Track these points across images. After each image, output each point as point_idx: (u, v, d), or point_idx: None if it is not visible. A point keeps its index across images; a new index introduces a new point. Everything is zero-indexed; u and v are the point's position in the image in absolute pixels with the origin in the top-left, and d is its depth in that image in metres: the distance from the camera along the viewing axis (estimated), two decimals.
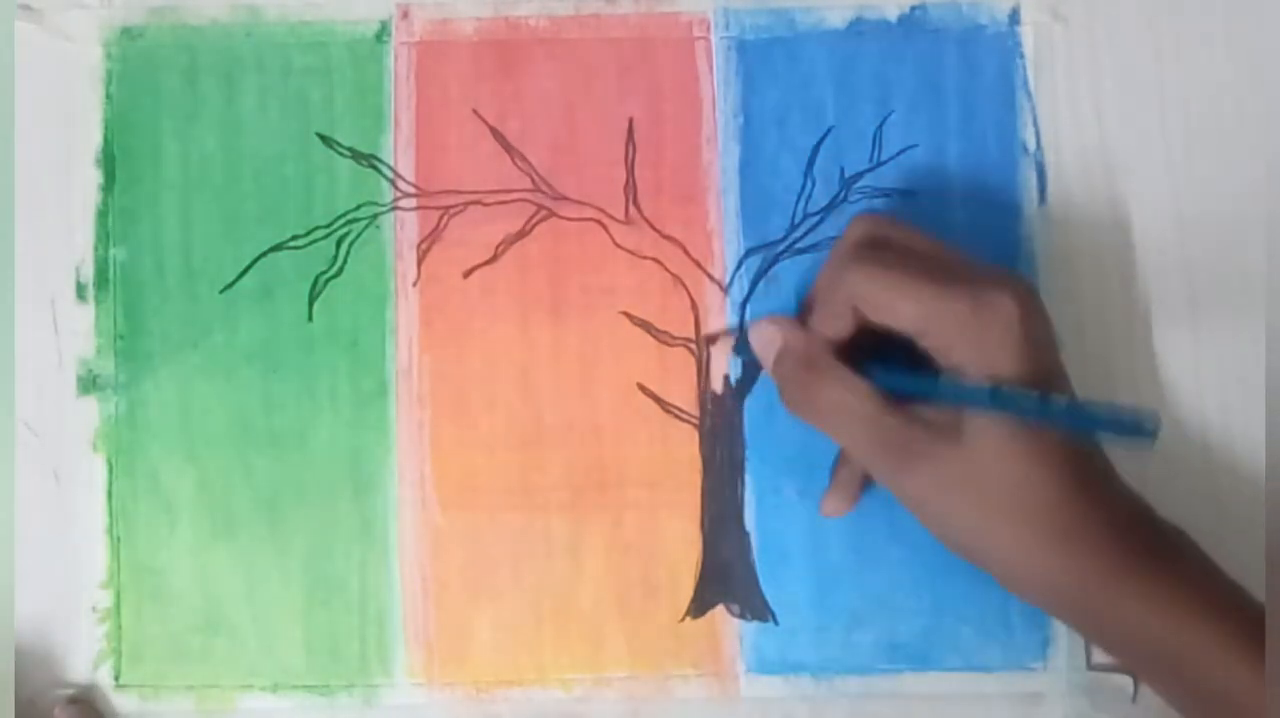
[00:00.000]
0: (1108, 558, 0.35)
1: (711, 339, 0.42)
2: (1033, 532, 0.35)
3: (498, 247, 0.42)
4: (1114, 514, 0.36)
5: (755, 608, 0.41)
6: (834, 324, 0.38)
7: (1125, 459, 0.37)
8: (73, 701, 0.40)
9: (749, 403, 0.42)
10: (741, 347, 0.41)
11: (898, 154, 0.43)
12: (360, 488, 0.41)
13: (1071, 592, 0.35)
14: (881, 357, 0.37)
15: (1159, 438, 0.35)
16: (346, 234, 0.42)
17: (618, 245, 0.42)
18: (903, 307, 0.36)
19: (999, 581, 0.37)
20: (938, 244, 0.38)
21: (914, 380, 0.37)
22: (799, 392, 0.38)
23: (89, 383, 0.42)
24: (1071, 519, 0.35)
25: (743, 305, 0.42)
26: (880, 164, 0.42)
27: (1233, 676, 0.34)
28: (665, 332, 0.42)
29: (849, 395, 0.37)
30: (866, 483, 0.41)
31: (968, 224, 0.42)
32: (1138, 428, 0.35)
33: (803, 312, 0.40)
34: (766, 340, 0.39)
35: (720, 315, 0.42)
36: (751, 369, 0.42)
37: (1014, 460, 0.35)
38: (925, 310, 0.36)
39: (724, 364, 0.42)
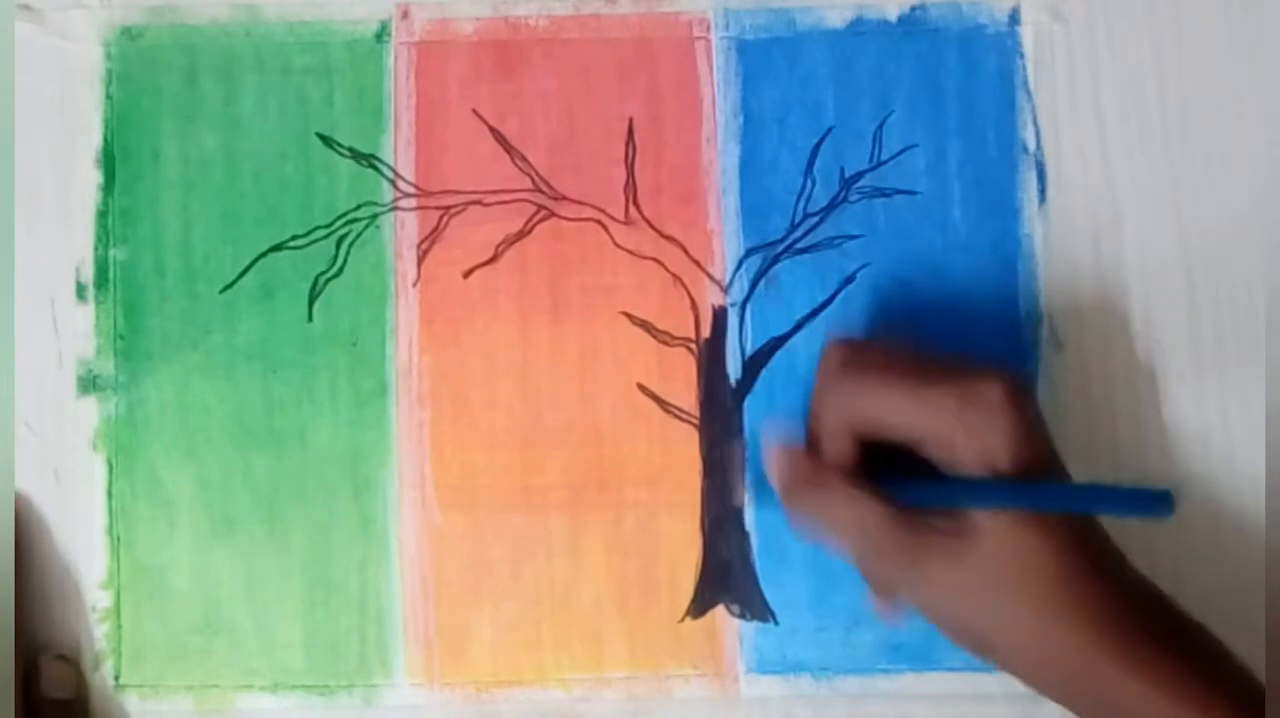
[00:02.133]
0: (1118, 645, 0.35)
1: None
2: (1043, 623, 0.35)
3: (498, 247, 0.42)
4: (1123, 601, 0.35)
5: (755, 608, 0.41)
6: (835, 448, 0.37)
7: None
8: (59, 657, 0.40)
9: (749, 403, 0.42)
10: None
11: (898, 154, 0.43)
12: (360, 488, 0.41)
13: (1085, 681, 0.35)
14: (895, 469, 0.37)
15: (1175, 512, 0.34)
16: (346, 234, 0.42)
17: (618, 245, 0.42)
18: (892, 417, 0.36)
19: (1017, 677, 0.36)
20: (915, 351, 0.38)
21: (926, 490, 0.36)
22: (806, 514, 0.38)
23: (89, 383, 0.42)
24: (1080, 607, 0.35)
25: (743, 305, 0.42)
26: (880, 164, 0.42)
27: None
28: (665, 332, 0.42)
29: (853, 513, 0.37)
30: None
31: (968, 224, 0.42)
32: (1154, 505, 0.34)
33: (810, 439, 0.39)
34: (773, 467, 0.39)
35: (721, 316, 0.42)
36: (752, 369, 0.42)
37: (1019, 553, 0.35)
38: (913, 416, 0.36)
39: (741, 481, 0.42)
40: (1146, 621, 0.35)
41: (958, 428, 0.35)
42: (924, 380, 0.36)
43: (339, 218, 0.42)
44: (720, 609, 0.41)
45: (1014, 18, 0.43)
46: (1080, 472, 0.41)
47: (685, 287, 0.42)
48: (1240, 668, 0.35)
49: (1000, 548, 0.35)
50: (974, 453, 0.35)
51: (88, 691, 0.41)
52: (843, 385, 0.37)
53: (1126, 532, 0.37)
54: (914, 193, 0.42)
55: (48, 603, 0.41)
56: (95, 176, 0.42)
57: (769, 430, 0.40)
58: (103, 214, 0.42)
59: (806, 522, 0.38)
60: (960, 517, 0.35)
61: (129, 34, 0.43)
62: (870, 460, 0.37)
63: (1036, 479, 0.36)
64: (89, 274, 0.42)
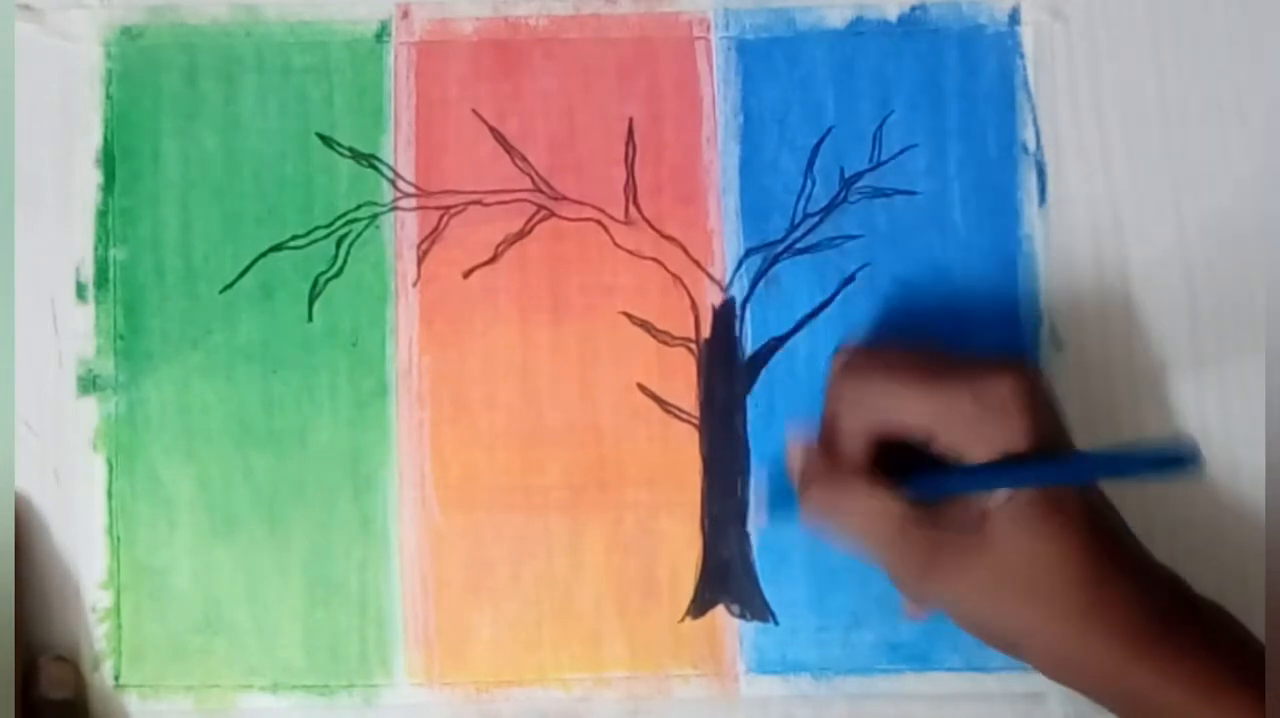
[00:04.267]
0: (1138, 632, 0.35)
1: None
2: (1062, 613, 0.35)
3: (498, 247, 0.42)
4: (1142, 588, 0.35)
5: (755, 608, 0.41)
6: (851, 448, 0.37)
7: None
8: (58, 658, 0.40)
9: (749, 403, 0.42)
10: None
11: (898, 154, 0.43)
12: (360, 488, 0.41)
13: (1105, 669, 0.35)
14: (911, 468, 0.37)
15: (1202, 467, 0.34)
16: (346, 234, 0.42)
17: (618, 245, 0.42)
18: (907, 416, 0.36)
19: (1037, 668, 0.36)
20: (926, 351, 0.38)
21: (943, 479, 0.36)
22: (824, 512, 0.38)
23: (89, 383, 0.42)
24: (1099, 595, 0.35)
25: (743, 305, 0.42)
26: (880, 164, 0.42)
27: None
28: (665, 332, 0.42)
29: (871, 511, 0.36)
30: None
31: (968, 224, 0.42)
32: (1178, 460, 0.33)
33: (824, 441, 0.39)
34: (792, 464, 0.39)
35: (721, 316, 0.42)
36: (752, 369, 0.42)
37: (1037, 543, 0.35)
38: (929, 413, 0.36)
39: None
40: (1170, 615, 0.35)
41: (971, 423, 0.35)
42: (937, 378, 0.36)
43: (339, 218, 0.42)
44: (720, 609, 0.41)
45: (1014, 18, 0.43)
46: None
47: (685, 287, 0.42)
48: (1261, 650, 0.35)
49: (1017, 542, 0.35)
50: (990, 448, 0.35)
51: (87, 691, 0.41)
52: (856, 388, 0.37)
53: (1131, 526, 0.37)
54: (914, 193, 0.42)
55: (47, 603, 0.41)
56: (95, 176, 0.42)
57: (790, 428, 0.40)
58: (103, 214, 0.42)
59: (823, 521, 0.38)
60: (977, 514, 0.35)
61: (129, 34, 0.43)
62: (885, 463, 0.37)
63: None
64: (89, 274, 0.42)
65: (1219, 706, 0.34)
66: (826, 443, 0.38)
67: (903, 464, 0.37)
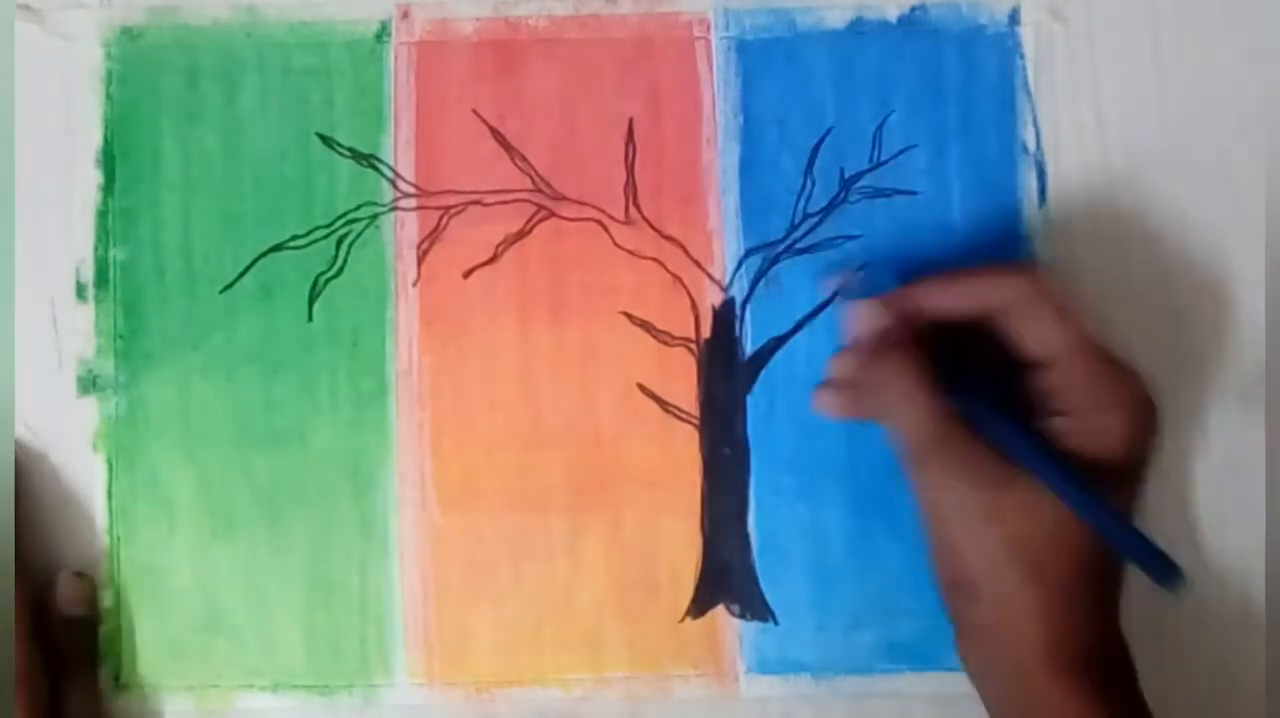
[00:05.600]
0: (1082, 671, 0.35)
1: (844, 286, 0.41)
2: (1041, 604, 0.35)
3: (498, 247, 0.42)
4: (1109, 629, 0.36)
5: (755, 608, 0.41)
6: (948, 303, 0.38)
7: None
8: (77, 574, 0.40)
9: (749, 403, 0.42)
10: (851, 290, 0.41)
11: (898, 154, 0.43)
12: (360, 488, 0.41)
13: (1033, 684, 0.35)
14: (960, 374, 0.37)
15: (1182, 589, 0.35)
16: (346, 234, 0.42)
17: (618, 245, 0.42)
18: (1059, 333, 0.37)
19: (962, 626, 0.37)
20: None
21: (997, 417, 0.37)
22: (873, 377, 0.38)
23: (89, 383, 0.42)
24: (1078, 614, 0.36)
25: (743, 305, 0.42)
26: (880, 164, 0.42)
27: None
28: (665, 332, 0.42)
29: (914, 391, 0.37)
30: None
31: (968, 224, 0.42)
32: (1167, 574, 0.35)
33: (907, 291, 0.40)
34: (858, 318, 0.40)
35: (721, 316, 0.42)
36: (752, 369, 0.42)
37: (1060, 529, 0.35)
38: (1075, 346, 0.36)
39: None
40: (1104, 662, 0.36)
41: (1095, 393, 0.36)
42: (1094, 336, 0.37)
43: (339, 218, 0.42)
44: (720, 609, 0.41)
45: (1014, 18, 0.43)
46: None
47: (685, 287, 0.42)
48: None
49: (1028, 506, 0.35)
50: (1083, 413, 0.36)
51: (100, 610, 0.41)
52: (1033, 285, 0.37)
53: None
54: (914, 193, 0.42)
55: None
56: (95, 177, 0.42)
57: (851, 278, 0.41)
58: (103, 214, 0.42)
59: (863, 390, 0.39)
60: (1006, 461, 0.36)
61: (129, 34, 0.43)
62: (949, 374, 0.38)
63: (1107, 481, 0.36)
64: (89, 274, 0.42)
65: None
66: (918, 293, 0.39)
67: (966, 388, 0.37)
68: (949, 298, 0.38)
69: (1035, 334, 0.37)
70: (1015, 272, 0.38)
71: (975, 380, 0.38)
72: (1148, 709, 0.36)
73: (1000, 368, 0.38)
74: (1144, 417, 0.37)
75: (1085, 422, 0.36)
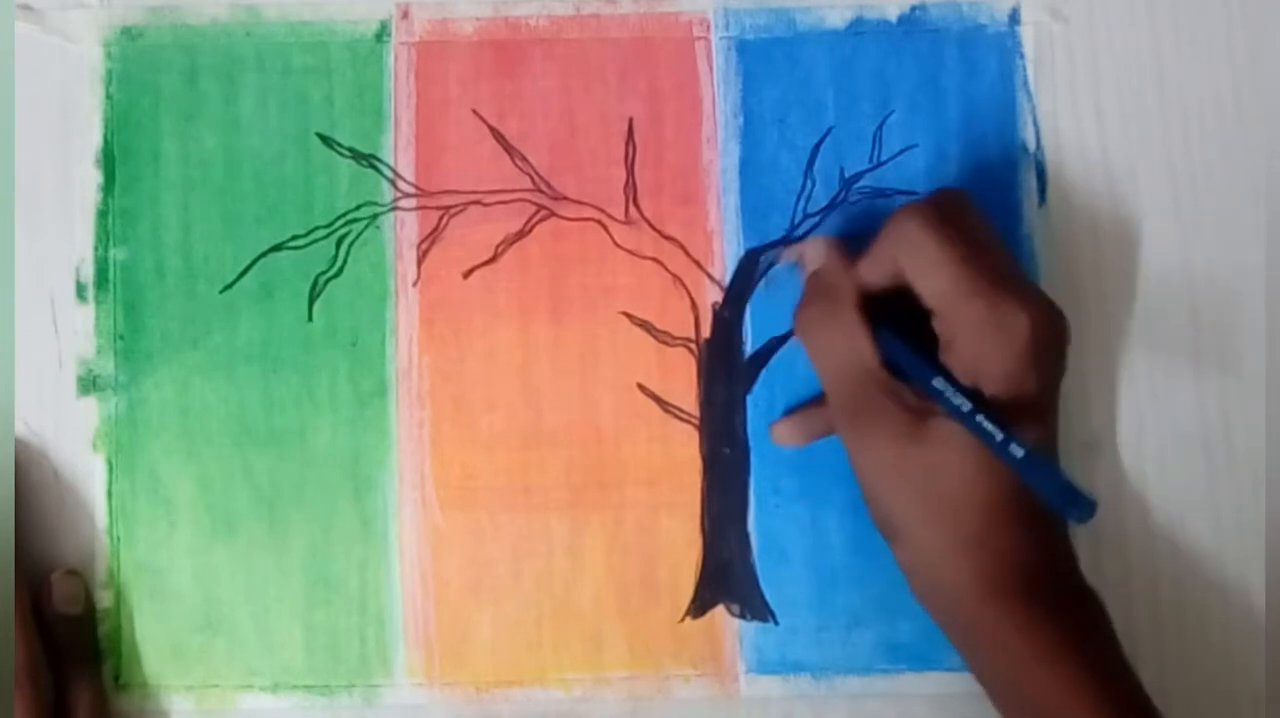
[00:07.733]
0: (1006, 578, 0.36)
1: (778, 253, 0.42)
2: (955, 541, 0.36)
3: (498, 247, 0.42)
4: (1037, 558, 0.36)
5: (755, 608, 0.41)
6: (876, 270, 0.38)
7: None
8: (70, 573, 0.40)
9: (749, 403, 0.42)
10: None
11: (898, 154, 0.43)
12: (360, 488, 0.41)
13: (966, 613, 0.36)
14: (899, 329, 0.38)
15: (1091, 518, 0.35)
16: (346, 234, 0.42)
17: (618, 245, 0.42)
18: (934, 281, 0.36)
19: (905, 569, 0.38)
20: (1001, 243, 0.38)
21: (913, 362, 0.37)
22: (810, 317, 0.39)
23: (89, 383, 0.42)
24: (994, 546, 0.36)
25: (743, 306, 0.42)
26: (880, 164, 0.42)
27: None
28: (665, 332, 0.42)
29: (850, 340, 0.37)
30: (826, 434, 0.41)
31: None
32: (1074, 504, 0.35)
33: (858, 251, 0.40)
34: (812, 255, 0.40)
35: (721, 316, 0.42)
36: (752, 369, 0.42)
37: (966, 469, 0.36)
38: (950, 293, 0.36)
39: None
40: (1044, 586, 0.36)
41: (974, 332, 0.36)
42: (983, 273, 0.36)
43: (339, 218, 0.42)
44: (720, 609, 0.41)
45: (1014, 18, 0.43)
46: (1079, 471, 0.41)
47: (685, 287, 0.42)
48: (1122, 661, 0.36)
49: (949, 455, 0.36)
50: (973, 361, 0.36)
51: (95, 608, 0.41)
52: (925, 224, 0.37)
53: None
54: (914, 193, 0.42)
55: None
56: (95, 176, 0.42)
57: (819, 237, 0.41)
58: (103, 214, 0.42)
59: (803, 324, 0.39)
60: (931, 405, 0.36)
61: (129, 34, 0.43)
62: (883, 313, 0.38)
63: (1013, 417, 0.36)
64: (89, 274, 0.42)
65: (1062, 689, 0.35)
66: (859, 262, 0.38)
67: (898, 325, 0.38)
68: (873, 274, 0.38)
69: (921, 284, 0.37)
70: (902, 219, 0.37)
71: (902, 329, 0.38)
72: (1117, 646, 0.36)
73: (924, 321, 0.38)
74: (1037, 349, 0.36)
75: (972, 362, 0.36)
